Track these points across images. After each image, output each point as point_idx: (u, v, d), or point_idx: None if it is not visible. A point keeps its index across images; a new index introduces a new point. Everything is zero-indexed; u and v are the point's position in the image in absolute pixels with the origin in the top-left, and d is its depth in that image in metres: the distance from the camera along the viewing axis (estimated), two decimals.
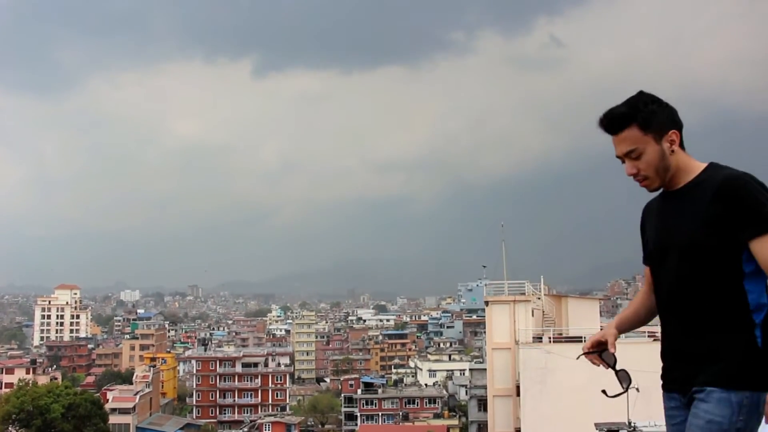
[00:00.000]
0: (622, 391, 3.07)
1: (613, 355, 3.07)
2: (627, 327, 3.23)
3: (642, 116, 2.85)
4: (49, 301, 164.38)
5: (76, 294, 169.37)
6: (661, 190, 3.01)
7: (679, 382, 2.91)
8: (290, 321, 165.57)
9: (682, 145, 2.92)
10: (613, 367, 3.05)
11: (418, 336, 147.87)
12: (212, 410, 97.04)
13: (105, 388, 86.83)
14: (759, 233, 2.71)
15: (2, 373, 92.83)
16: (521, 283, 39.44)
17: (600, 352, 3.09)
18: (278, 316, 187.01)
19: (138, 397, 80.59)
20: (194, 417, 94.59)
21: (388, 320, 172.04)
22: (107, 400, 76.33)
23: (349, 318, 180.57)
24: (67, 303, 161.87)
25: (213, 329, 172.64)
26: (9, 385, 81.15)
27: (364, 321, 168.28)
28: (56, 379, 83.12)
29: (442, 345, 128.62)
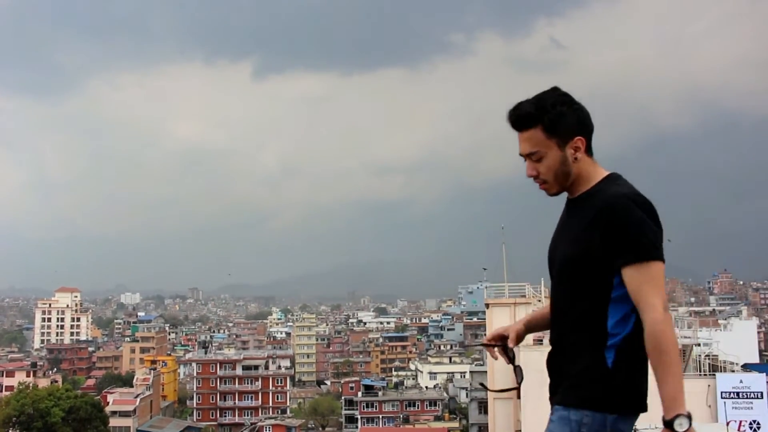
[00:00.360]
0: (512, 387, 3.03)
1: (512, 350, 3.00)
2: (536, 327, 3.09)
3: (548, 118, 2.71)
4: (50, 304, 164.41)
5: (76, 297, 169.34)
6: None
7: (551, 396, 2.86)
8: (291, 323, 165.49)
9: (590, 151, 2.79)
10: (512, 362, 2.99)
11: (418, 338, 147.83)
12: (213, 413, 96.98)
13: (105, 390, 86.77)
14: (631, 261, 2.56)
15: (3, 376, 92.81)
16: (522, 286, 39.46)
17: (504, 345, 3.02)
18: (279, 319, 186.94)
19: (138, 399, 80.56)
20: (195, 420, 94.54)
21: (388, 323, 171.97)
22: (108, 403, 76.32)
23: (350, 320, 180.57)
24: (67, 306, 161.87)
25: (213, 332, 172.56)
26: (9, 388, 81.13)
27: (365, 323, 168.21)
28: (57, 382, 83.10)
29: (442, 347, 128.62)
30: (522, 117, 2.76)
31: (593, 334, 2.67)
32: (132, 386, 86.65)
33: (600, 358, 2.64)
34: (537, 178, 2.80)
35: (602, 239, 2.61)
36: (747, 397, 32.42)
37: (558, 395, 2.74)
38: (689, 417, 2.40)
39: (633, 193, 2.63)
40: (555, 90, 2.77)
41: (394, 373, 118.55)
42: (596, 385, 2.63)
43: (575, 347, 2.71)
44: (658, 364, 2.48)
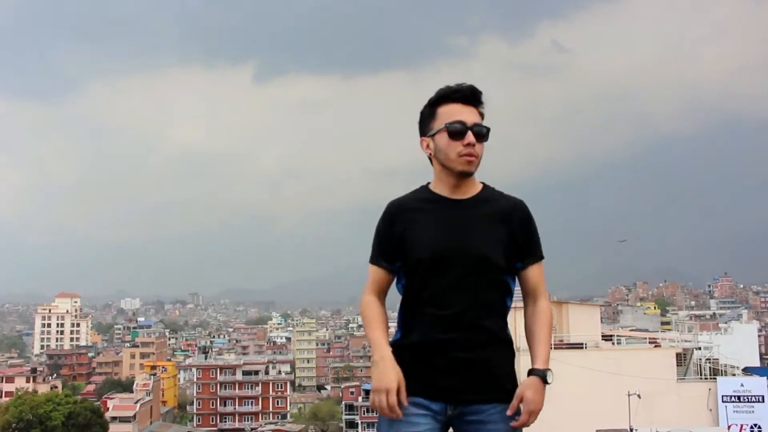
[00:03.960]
0: None
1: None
2: None
3: (484, 106, 2.82)
4: (50, 310, 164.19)
5: (76, 302, 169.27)
6: (424, 194, 2.82)
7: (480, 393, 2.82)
8: (291, 328, 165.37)
9: None
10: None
11: None
12: (213, 418, 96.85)
13: (105, 396, 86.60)
14: (539, 260, 2.86)
15: (2, 381, 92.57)
16: None
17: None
18: (279, 324, 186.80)
19: (138, 405, 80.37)
20: (195, 425, 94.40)
21: (389, 327, 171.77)
22: (107, 409, 76.13)
23: (350, 325, 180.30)
24: (67, 311, 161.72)
25: (213, 337, 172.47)
26: (9, 393, 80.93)
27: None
28: (56, 387, 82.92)
29: None
30: (479, 93, 2.78)
31: (506, 327, 2.91)
32: (132, 392, 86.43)
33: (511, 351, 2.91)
34: (473, 148, 2.73)
35: (519, 238, 2.79)
36: (748, 401, 32.40)
37: (497, 392, 2.75)
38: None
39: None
40: None
41: None
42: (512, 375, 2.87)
43: (503, 341, 2.89)
44: (549, 335, 2.98)
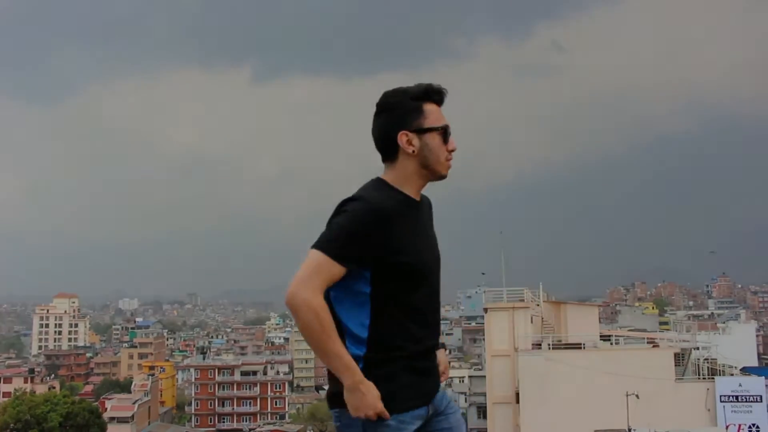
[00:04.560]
0: None
1: None
2: None
3: None
4: (48, 310, 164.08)
5: (74, 302, 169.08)
6: (395, 199, 2.63)
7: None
8: (289, 329, 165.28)
9: None
10: None
11: None
12: (211, 419, 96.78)
13: (103, 396, 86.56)
14: None
15: (0, 382, 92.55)
16: (520, 290, 39.40)
17: None
18: (277, 324, 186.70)
19: (136, 405, 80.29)
20: (193, 425, 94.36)
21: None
22: (105, 409, 76.08)
23: None
24: (65, 312, 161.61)
25: (212, 337, 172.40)
26: (7, 394, 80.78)
27: None
28: (54, 388, 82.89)
29: None
30: (445, 95, 2.69)
31: None
32: (130, 392, 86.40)
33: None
34: (452, 154, 2.67)
35: None
36: (746, 401, 32.43)
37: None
38: None
39: None
40: None
41: None
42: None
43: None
44: None
